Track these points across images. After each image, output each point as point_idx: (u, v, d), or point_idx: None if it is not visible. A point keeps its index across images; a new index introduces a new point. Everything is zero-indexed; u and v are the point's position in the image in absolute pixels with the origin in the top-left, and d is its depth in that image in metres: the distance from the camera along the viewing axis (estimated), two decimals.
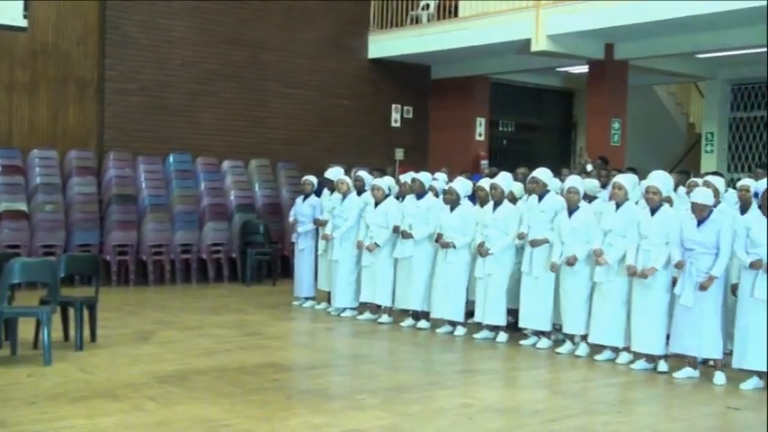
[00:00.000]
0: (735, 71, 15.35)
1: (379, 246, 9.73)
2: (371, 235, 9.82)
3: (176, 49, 13.43)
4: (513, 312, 9.01)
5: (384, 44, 15.39)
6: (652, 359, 7.69)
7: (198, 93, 13.66)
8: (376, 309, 10.07)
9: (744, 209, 7.77)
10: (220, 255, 13.13)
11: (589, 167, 12.07)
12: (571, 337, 8.43)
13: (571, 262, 8.14)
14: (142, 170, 12.79)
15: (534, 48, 12.86)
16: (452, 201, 9.19)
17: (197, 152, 13.47)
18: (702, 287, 7.15)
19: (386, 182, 10.24)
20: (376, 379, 7.15)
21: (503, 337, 8.90)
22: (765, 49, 13.15)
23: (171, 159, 13.09)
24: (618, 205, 7.94)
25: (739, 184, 7.99)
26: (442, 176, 10.50)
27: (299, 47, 14.75)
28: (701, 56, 14.16)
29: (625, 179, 8.10)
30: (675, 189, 8.55)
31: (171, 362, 7.45)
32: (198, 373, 7.03)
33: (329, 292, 10.57)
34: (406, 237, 9.40)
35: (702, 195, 7.29)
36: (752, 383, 7.08)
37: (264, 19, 14.37)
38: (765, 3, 10.46)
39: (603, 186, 9.47)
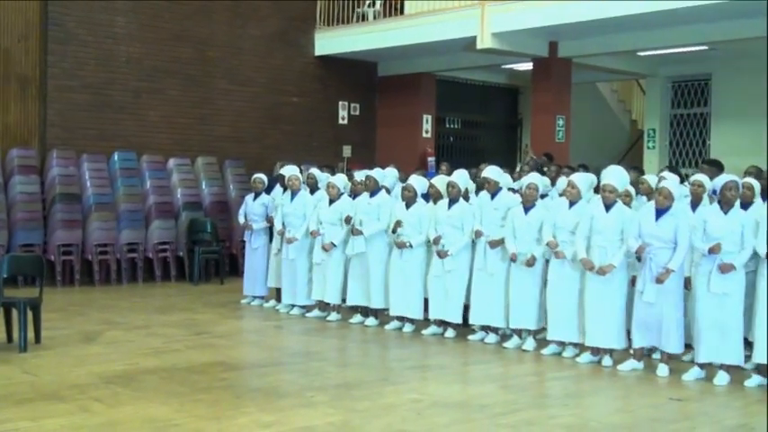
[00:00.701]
0: (675, 68, 15.65)
1: (335, 245, 9.73)
2: (324, 232, 9.81)
3: (120, 45, 13.26)
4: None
5: (331, 41, 15.38)
6: (597, 352, 7.82)
7: (143, 90, 13.51)
8: (325, 306, 10.07)
9: (695, 204, 7.87)
10: (167, 253, 13.01)
11: (531, 158, 12.25)
12: (519, 332, 8.53)
13: (531, 263, 8.23)
14: (86, 168, 12.61)
15: (480, 45, 12.97)
16: (410, 198, 9.23)
17: (142, 150, 13.32)
18: (659, 280, 7.27)
19: (340, 179, 10.25)
20: (325, 376, 7.17)
21: (451, 332, 8.97)
22: (704, 47, 13.48)
23: (116, 157, 12.93)
24: (571, 203, 8.04)
25: (692, 179, 8.07)
26: (392, 172, 10.51)
27: (245, 43, 14.68)
28: (643, 54, 14.41)
29: (580, 178, 8.20)
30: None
31: (118, 362, 7.38)
32: (146, 373, 6.98)
33: (278, 290, 10.55)
34: (356, 233, 9.41)
35: (671, 183, 7.43)
36: (693, 374, 7.25)
37: (210, 15, 14.26)
38: (706, 3, 10.68)
39: (552, 183, 9.58)
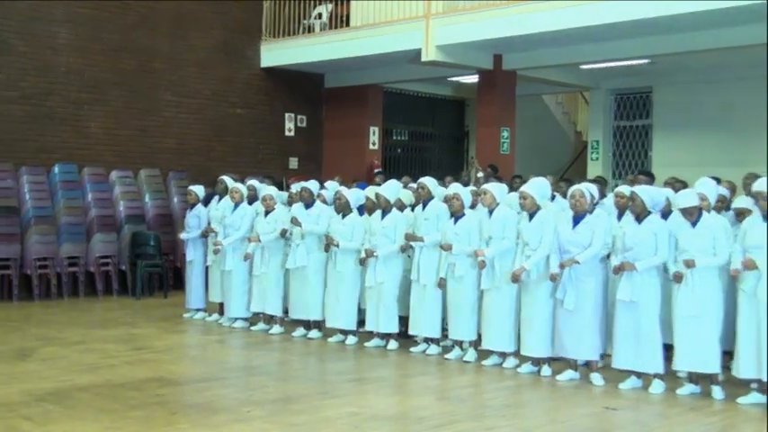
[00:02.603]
0: (618, 81, 15.85)
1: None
2: (261, 243, 9.77)
3: (60, 56, 13.06)
4: (403, 320, 9.08)
5: (277, 53, 15.34)
6: (537, 362, 7.87)
7: (84, 101, 13.32)
8: (269, 319, 10.01)
9: (621, 214, 8.00)
10: (109, 267, 12.82)
11: (480, 174, 12.30)
12: (460, 343, 8.55)
13: (459, 274, 8.26)
14: (25, 181, 12.37)
15: (425, 58, 13.02)
16: (343, 206, 9.23)
17: (84, 162, 13.12)
18: (562, 265, 7.40)
19: (276, 190, 10.22)
20: (264, 390, 7.11)
21: (393, 344, 8.97)
22: (645, 61, 13.69)
23: (56, 170, 12.71)
24: (490, 211, 8.09)
25: (616, 190, 8.25)
26: (333, 185, 10.50)
27: (190, 55, 14.56)
28: (585, 67, 14.58)
29: (494, 186, 8.27)
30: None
31: (51, 379, 7.24)
32: (79, 390, 6.85)
33: (221, 304, 10.47)
34: (295, 223, 9.34)
35: (583, 190, 7.57)
36: (630, 383, 7.33)
37: (154, 26, 14.13)
38: (652, 16, 10.83)
39: None
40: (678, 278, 7.02)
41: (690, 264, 6.95)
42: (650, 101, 15.95)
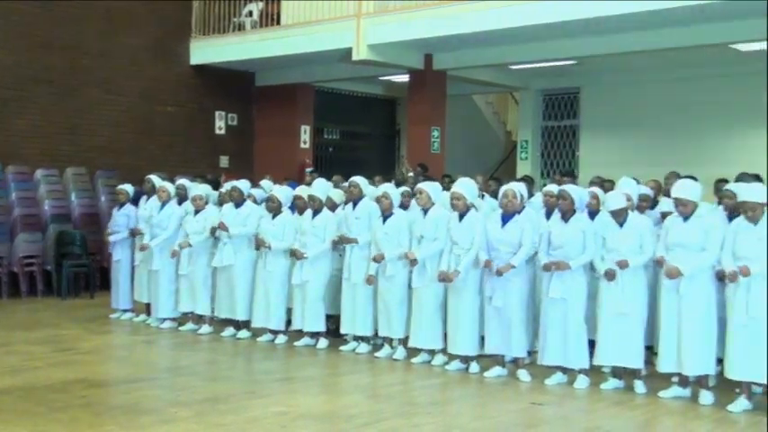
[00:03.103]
0: (546, 82, 16.10)
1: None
2: (191, 242, 9.69)
3: None
4: (334, 318, 9.10)
5: (207, 51, 15.22)
6: (465, 360, 7.96)
7: (9, 98, 13.04)
8: (198, 319, 9.93)
9: (549, 213, 8.12)
10: (34, 267, 12.54)
11: (410, 174, 12.37)
12: (390, 341, 8.59)
13: (389, 273, 8.30)
14: None
15: (355, 57, 13.05)
16: (275, 208, 9.19)
17: (7, 160, 12.83)
18: (498, 272, 7.46)
19: (206, 189, 10.13)
20: (192, 391, 7.05)
21: (323, 343, 8.97)
22: (573, 62, 13.94)
23: None
24: (425, 211, 8.16)
25: (545, 189, 8.37)
26: (267, 184, 10.45)
27: (119, 52, 14.36)
28: (515, 67, 14.78)
29: (429, 186, 8.34)
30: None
31: None
32: (1, 394, 6.70)
33: (148, 304, 10.34)
34: (222, 228, 9.29)
35: (516, 190, 7.68)
36: (555, 379, 7.46)
37: (83, 23, 13.89)
38: (580, 17, 11.02)
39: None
40: (611, 276, 7.14)
41: (623, 264, 7.07)
42: (578, 101, 16.24)
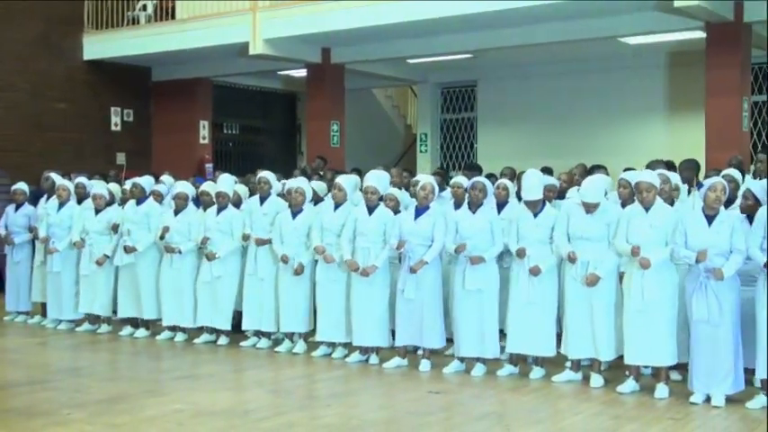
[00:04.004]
0: (444, 75, 16.31)
1: (108, 256, 9.43)
2: (91, 242, 9.48)
3: None
4: (235, 314, 9.04)
5: (100, 45, 14.90)
6: (366, 351, 8.01)
7: None
8: (95, 319, 9.74)
9: (458, 205, 8.19)
10: None
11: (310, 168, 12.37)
12: (291, 336, 8.59)
13: (299, 271, 8.29)
14: None
15: (252, 51, 12.97)
16: (181, 204, 9.07)
17: None
18: (413, 270, 7.54)
19: (111, 187, 9.92)
20: (87, 392, 6.92)
21: (224, 340, 8.91)
22: (469, 56, 14.15)
23: None
24: (336, 206, 8.18)
25: (453, 181, 8.41)
26: (167, 179, 10.28)
27: (5, 47, 13.93)
28: (413, 61, 14.92)
29: (346, 180, 8.37)
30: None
31: None
32: None
33: (43, 305, 10.08)
34: (130, 251, 9.15)
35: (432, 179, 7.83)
36: (453, 367, 7.59)
37: None
38: (474, 11, 11.19)
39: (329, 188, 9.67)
40: (521, 253, 7.25)
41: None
42: (475, 94, 16.51)
